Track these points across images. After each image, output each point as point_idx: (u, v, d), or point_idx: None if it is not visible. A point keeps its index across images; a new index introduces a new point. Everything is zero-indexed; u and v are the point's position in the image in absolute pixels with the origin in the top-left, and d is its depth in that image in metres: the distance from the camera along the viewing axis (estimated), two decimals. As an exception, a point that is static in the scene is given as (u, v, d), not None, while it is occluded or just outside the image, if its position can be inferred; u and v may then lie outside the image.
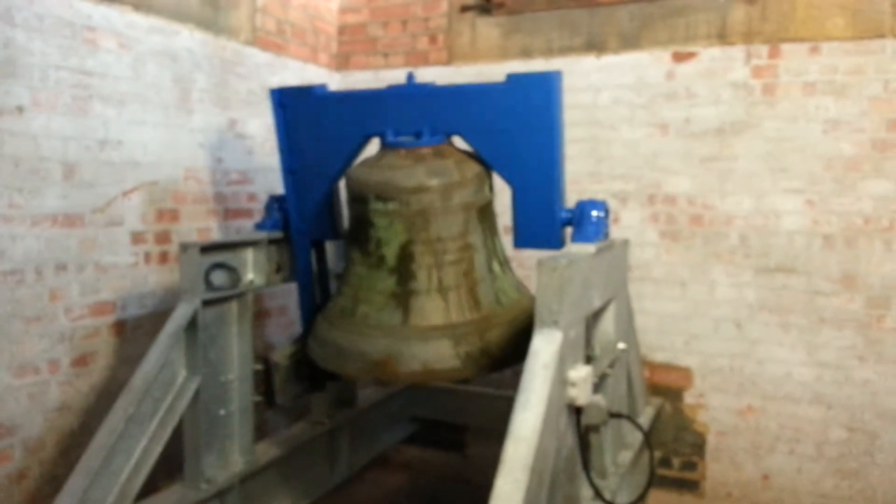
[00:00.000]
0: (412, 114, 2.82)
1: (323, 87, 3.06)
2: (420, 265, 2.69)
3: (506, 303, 2.83)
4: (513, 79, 2.72)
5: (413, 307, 2.71)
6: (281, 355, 3.24)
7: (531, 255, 3.12)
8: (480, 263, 2.78)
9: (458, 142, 2.91)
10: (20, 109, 2.85)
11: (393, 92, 2.90)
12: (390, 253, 2.72)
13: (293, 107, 3.06)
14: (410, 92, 2.88)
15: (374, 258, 2.76)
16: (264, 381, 3.20)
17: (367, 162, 2.88)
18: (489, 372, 2.76)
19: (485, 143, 2.79)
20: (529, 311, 2.61)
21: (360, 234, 2.81)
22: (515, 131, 2.72)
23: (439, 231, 2.68)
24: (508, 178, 2.79)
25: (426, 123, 2.79)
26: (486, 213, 2.82)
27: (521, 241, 2.86)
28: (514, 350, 2.59)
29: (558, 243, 2.80)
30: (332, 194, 3.12)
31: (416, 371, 2.66)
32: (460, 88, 2.92)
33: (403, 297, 2.72)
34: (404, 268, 2.71)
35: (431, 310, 2.70)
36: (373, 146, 2.98)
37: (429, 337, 2.68)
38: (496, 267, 2.86)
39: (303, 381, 3.31)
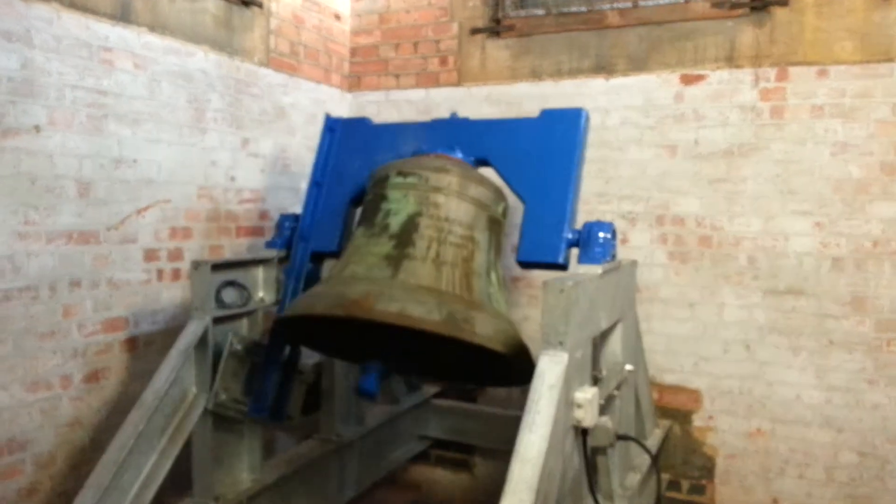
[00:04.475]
0: (445, 139, 3.07)
1: (369, 119, 3.41)
2: (422, 236, 2.63)
3: (497, 308, 2.72)
4: (546, 113, 2.97)
5: (404, 267, 2.56)
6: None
7: (540, 276, 3.14)
8: (480, 261, 2.70)
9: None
10: (37, 128, 2.90)
11: (436, 124, 3.20)
12: (396, 221, 2.69)
13: (340, 132, 3.33)
14: (451, 123, 3.15)
15: (377, 228, 2.71)
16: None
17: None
18: (467, 346, 2.50)
19: (508, 164, 2.96)
20: (514, 338, 2.58)
21: (370, 212, 2.81)
22: (540, 156, 2.90)
23: (449, 212, 2.68)
24: (523, 194, 2.88)
25: (459, 145, 3.03)
26: (494, 227, 2.82)
27: (524, 254, 2.82)
28: (497, 348, 2.51)
29: (559, 258, 2.77)
30: (347, 213, 3.18)
31: (392, 312, 2.39)
32: (497, 120, 3.27)
33: (397, 258, 2.58)
34: (406, 235, 2.64)
35: (422, 273, 2.55)
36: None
37: (413, 289, 2.50)
38: (493, 278, 2.78)
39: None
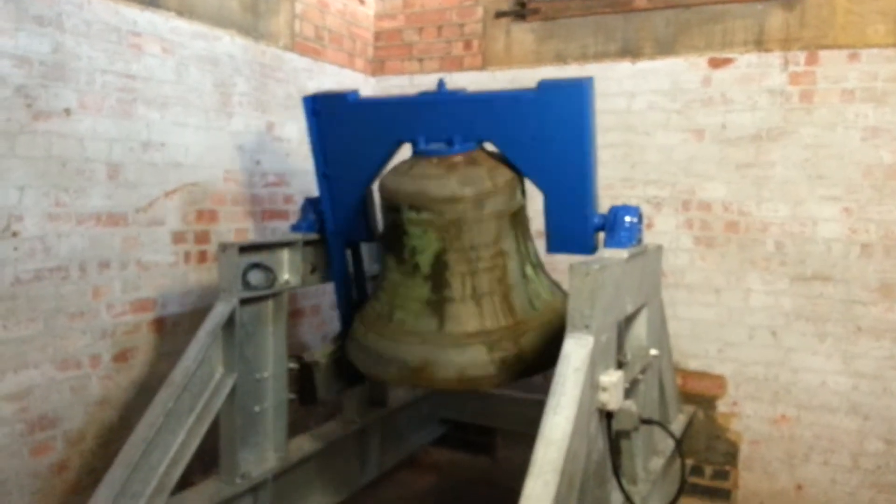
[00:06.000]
0: (443, 120, 2.81)
1: (355, 93, 3.04)
2: (454, 273, 2.73)
3: (539, 307, 2.86)
4: (543, 86, 2.67)
5: (448, 314, 2.75)
6: (321, 354, 3.31)
7: (564, 260, 3.12)
8: (514, 269, 2.80)
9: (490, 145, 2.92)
10: (67, 112, 2.93)
11: (424, 99, 2.90)
12: (424, 261, 2.75)
13: (326, 113, 3.07)
14: (441, 99, 2.85)
15: (408, 266, 2.79)
16: (299, 379, 3.25)
17: (399, 169, 2.88)
18: (523, 377, 2.79)
19: (516, 150, 2.78)
20: (563, 313, 2.63)
21: (394, 241, 2.84)
22: (546, 138, 2.69)
23: (472, 239, 2.70)
24: (540, 185, 2.80)
25: (457, 130, 2.77)
26: (518, 219, 2.83)
27: (553, 247, 2.87)
28: (547, 354, 2.59)
29: (591, 248, 2.80)
30: (366, 197, 3.16)
31: (452, 378, 2.73)
32: (491, 96, 2.87)
33: (438, 304, 2.76)
34: (439, 276, 2.74)
35: (466, 317, 2.74)
36: (405, 149, 3.01)
37: (464, 344, 2.72)
38: (529, 271, 2.88)
39: (342, 378, 3.38)
